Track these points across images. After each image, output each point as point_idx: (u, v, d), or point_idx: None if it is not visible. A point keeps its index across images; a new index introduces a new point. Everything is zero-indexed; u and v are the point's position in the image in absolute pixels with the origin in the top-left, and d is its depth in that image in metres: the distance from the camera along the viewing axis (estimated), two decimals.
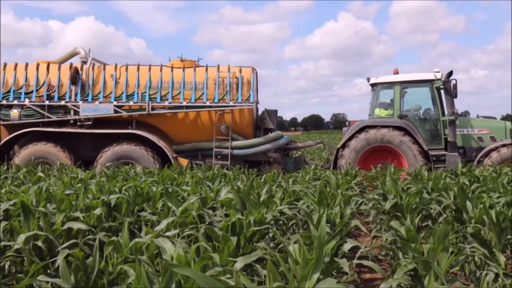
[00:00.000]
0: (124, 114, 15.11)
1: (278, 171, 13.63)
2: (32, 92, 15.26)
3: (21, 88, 15.29)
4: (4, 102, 15.10)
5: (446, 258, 4.43)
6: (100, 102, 15.07)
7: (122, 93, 15.25)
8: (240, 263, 4.23)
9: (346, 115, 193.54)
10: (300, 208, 7.16)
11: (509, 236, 6.24)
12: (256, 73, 15.88)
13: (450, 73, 15.09)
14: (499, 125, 15.48)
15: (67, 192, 7.05)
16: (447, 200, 7.49)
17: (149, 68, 15.60)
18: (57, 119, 15.11)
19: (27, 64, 15.55)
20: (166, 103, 15.08)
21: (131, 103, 15.11)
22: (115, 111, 14.99)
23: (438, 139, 14.98)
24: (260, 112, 16.53)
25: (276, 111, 16.63)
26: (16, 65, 15.52)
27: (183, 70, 15.53)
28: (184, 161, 14.76)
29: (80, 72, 15.44)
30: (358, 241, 6.36)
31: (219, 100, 15.18)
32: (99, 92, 15.31)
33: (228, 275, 3.77)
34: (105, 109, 14.96)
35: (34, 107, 15.03)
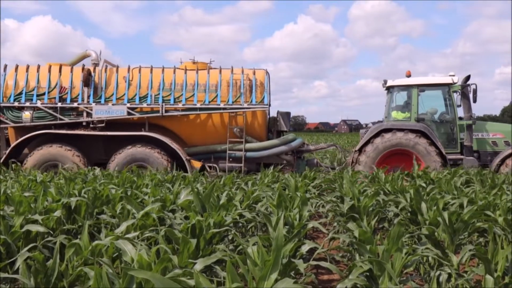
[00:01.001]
0: (138, 116, 14.98)
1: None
2: (44, 94, 15.10)
3: (33, 90, 15.12)
4: (16, 104, 14.93)
5: (400, 258, 4.56)
6: (113, 104, 14.96)
7: (135, 95, 15.14)
8: (199, 264, 4.29)
9: (305, 117, 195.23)
10: (259, 210, 7.25)
11: (461, 237, 6.45)
12: (269, 75, 15.87)
13: (468, 78, 15.30)
14: None
15: (26, 194, 7.01)
16: (403, 202, 7.66)
17: (162, 70, 15.53)
18: (70, 121, 14.99)
19: (39, 66, 15.40)
20: (180, 105, 15.00)
21: (144, 105, 14.99)
22: (129, 113, 14.86)
23: (454, 143, 15.11)
24: (271, 115, 16.58)
25: (289, 113, 16.64)
26: (27, 67, 15.36)
27: (197, 72, 15.49)
28: (197, 164, 14.75)
29: (92, 74, 15.34)
30: (316, 243, 6.48)
31: (233, 102, 15.13)
32: (112, 94, 15.19)
33: (188, 277, 3.83)
34: (119, 111, 14.85)
35: (46, 109, 14.88)
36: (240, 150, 15.05)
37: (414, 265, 6.33)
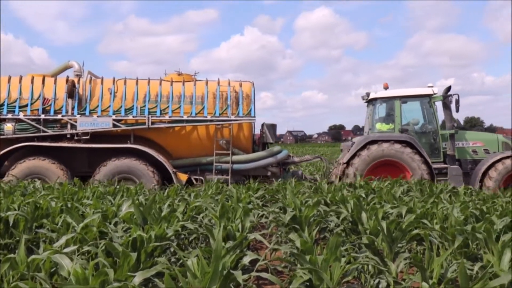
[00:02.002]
0: (124, 128, 14.67)
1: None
2: (26, 106, 14.67)
3: (15, 101, 14.69)
4: None
5: (339, 268, 4.63)
6: (98, 116, 14.61)
7: (121, 107, 14.82)
8: (138, 277, 4.26)
9: None
10: (201, 222, 7.24)
11: (400, 245, 6.59)
12: (254, 87, 15.75)
13: (449, 89, 15.52)
14: (492, 138, 16.04)
15: None
16: (344, 212, 7.77)
17: (148, 82, 15.27)
18: (54, 133, 14.59)
19: (21, 77, 14.99)
20: (167, 117, 14.76)
21: (130, 117, 14.69)
22: (114, 125, 14.54)
23: (437, 152, 15.30)
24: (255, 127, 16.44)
25: (275, 126, 16.54)
26: (9, 78, 14.93)
27: (183, 84, 15.27)
28: (183, 176, 14.52)
29: (77, 85, 14.98)
30: (258, 254, 6.51)
31: (220, 114, 14.95)
32: (97, 106, 14.83)
33: None
34: (104, 123, 14.51)
35: (29, 121, 14.47)
36: (227, 162, 14.94)
37: (356, 273, 6.44)
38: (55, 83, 15.00)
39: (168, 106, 14.92)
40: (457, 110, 15.29)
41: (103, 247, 5.22)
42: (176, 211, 7.41)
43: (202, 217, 7.83)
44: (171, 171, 14.28)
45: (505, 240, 5.62)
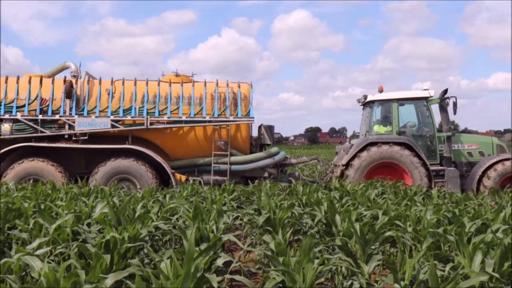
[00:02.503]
0: (122, 128, 14.55)
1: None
2: (24, 106, 14.47)
3: (13, 102, 14.51)
4: None
5: (312, 269, 4.65)
6: (96, 117, 14.46)
7: (119, 107, 14.69)
8: (110, 279, 4.24)
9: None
10: (175, 223, 7.22)
11: (373, 247, 6.64)
12: (252, 88, 15.67)
13: (445, 91, 15.64)
14: (486, 140, 16.24)
15: None
16: (318, 215, 7.80)
17: (146, 83, 15.15)
18: (51, 133, 14.42)
19: (18, 78, 14.82)
20: (165, 118, 14.71)
21: (128, 117, 14.57)
22: (112, 126, 14.41)
23: (434, 154, 15.42)
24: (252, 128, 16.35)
25: (273, 127, 16.51)
26: (6, 78, 14.76)
27: (181, 85, 15.17)
28: (181, 177, 14.44)
29: (74, 85, 14.82)
30: (232, 256, 6.51)
31: (218, 115, 14.87)
32: (95, 107, 14.69)
33: None
34: (102, 124, 14.38)
35: (26, 122, 14.28)
36: (225, 163, 14.90)
37: (329, 275, 6.47)
38: (52, 83, 14.86)
39: (167, 107, 14.85)
40: (455, 113, 15.51)
41: (76, 249, 5.18)
42: (150, 212, 7.39)
43: (177, 218, 7.81)
44: (169, 172, 14.22)
45: (476, 242, 5.68)
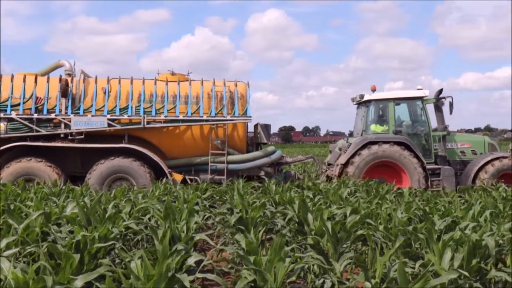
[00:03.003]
0: (119, 127, 14.32)
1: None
2: (19, 105, 14.15)
3: (7, 100, 14.17)
4: None
5: (283, 268, 4.66)
6: (92, 116, 14.21)
7: (115, 106, 14.45)
8: (80, 281, 4.20)
9: None
10: (147, 223, 7.18)
11: (345, 245, 6.68)
12: (249, 87, 15.58)
13: (440, 91, 15.86)
14: (479, 139, 16.51)
15: None
16: (290, 213, 7.82)
17: (143, 82, 14.93)
18: (47, 133, 14.13)
19: (12, 76, 14.50)
20: (162, 117, 14.51)
21: (125, 116, 14.34)
22: (109, 125, 14.18)
23: (429, 153, 15.53)
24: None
25: (269, 126, 16.41)
26: (0, 77, 14.44)
27: (178, 84, 14.97)
28: (178, 176, 14.28)
29: (70, 84, 14.52)
30: (205, 255, 6.50)
31: (216, 114, 14.71)
32: (91, 105, 14.43)
33: None
34: (98, 123, 14.13)
35: (21, 121, 13.98)
36: (222, 162, 14.83)
37: (302, 273, 6.50)
38: (48, 82, 14.59)
39: (163, 106, 14.68)
40: (451, 112, 15.65)
41: (46, 249, 5.13)
42: (122, 212, 7.33)
43: (149, 218, 7.77)
44: (166, 171, 14.10)
45: (446, 240, 5.74)
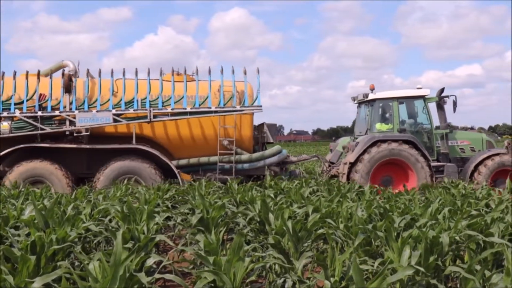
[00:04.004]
0: (125, 122, 13.91)
1: None
2: (22, 103, 13.70)
3: (10, 99, 13.71)
4: None
5: (242, 268, 4.66)
6: (97, 111, 13.72)
7: (121, 100, 13.99)
8: (37, 283, 4.15)
9: None
10: (108, 224, 7.12)
11: (306, 244, 6.71)
12: (259, 74, 15.06)
13: (442, 90, 16.16)
14: (477, 137, 16.77)
15: None
16: (251, 213, 7.83)
17: (148, 82, 14.47)
18: (52, 130, 13.69)
19: (15, 73, 14.00)
20: (169, 109, 14.02)
21: (131, 110, 13.87)
22: (115, 120, 13.70)
23: (431, 151, 15.72)
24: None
25: (275, 125, 16.53)
26: (3, 74, 13.99)
27: (185, 84, 14.39)
28: (187, 176, 14.11)
29: (73, 79, 14.07)
30: (166, 256, 6.46)
31: (224, 105, 14.23)
32: (96, 101, 13.98)
33: None
34: (103, 118, 13.64)
35: (25, 119, 13.53)
36: (230, 162, 14.79)
37: (264, 273, 6.52)
38: (50, 78, 14.22)
39: (170, 98, 14.19)
40: (454, 111, 16.05)
41: (2, 253, 5.04)
42: (81, 214, 7.26)
43: (110, 219, 7.70)
44: (176, 172, 13.97)
45: (404, 237, 5.82)
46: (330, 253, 5.41)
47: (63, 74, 14.18)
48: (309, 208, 7.83)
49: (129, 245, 5.51)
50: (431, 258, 5.43)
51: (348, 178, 14.95)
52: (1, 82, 14.08)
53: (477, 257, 5.64)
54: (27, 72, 14.23)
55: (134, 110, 13.97)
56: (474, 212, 7.69)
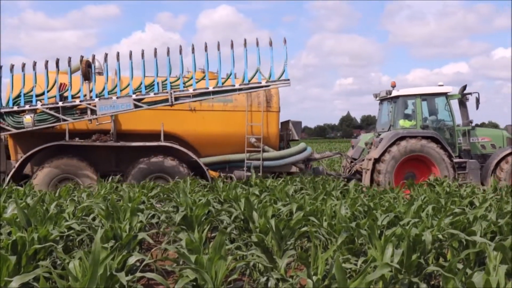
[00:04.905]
0: (146, 107, 13.46)
1: None
2: (43, 94, 13.39)
3: (31, 90, 13.40)
4: (16, 108, 13.25)
5: (224, 266, 4.65)
6: (117, 97, 13.30)
7: (141, 83, 13.47)
8: (16, 282, 4.13)
9: None
10: (91, 223, 7.08)
11: (289, 243, 6.72)
12: (286, 45, 14.55)
13: (464, 87, 16.28)
14: (497, 133, 17.00)
15: None
16: (235, 211, 7.82)
17: (168, 62, 14.00)
18: (74, 120, 13.44)
19: (35, 63, 13.60)
20: (191, 90, 13.44)
21: (151, 94, 13.40)
22: (135, 106, 13.28)
23: (453, 147, 15.83)
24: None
25: (300, 123, 16.49)
26: (23, 65, 13.61)
27: (207, 61, 13.99)
28: (215, 174, 14.13)
29: (92, 65, 13.64)
30: (151, 254, 6.44)
31: (249, 81, 13.52)
32: (115, 86, 13.56)
33: None
34: (124, 105, 13.23)
35: (47, 111, 13.23)
36: (258, 159, 14.79)
37: (248, 271, 6.51)
38: (69, 65, 13.71)
39: (192, 78, 13.62)
40: (477, 108, 16.15)
41: None
42: (64, 212, 7.21)
43: (93, 217, 7.66)
44: (205, 169, 13.94)
45: (388, 235, 5.83)
46: (313, 251, 5.41)
47: (81, 60, 13.70)
48: (293, 206, 7.84)
49: (112, 243, 5.49)
50: (414, 256, 5.44)
51: (372, 173, 15.14)
52: (22, 74, 13.65)
53: (459, 255, 5.66)
54: (47, 62, 13.74)
55: (154, 94, 13.51)
56: (457, 210, 7.72)
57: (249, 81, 13.57)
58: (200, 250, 5.10)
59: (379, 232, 6.32)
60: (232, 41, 13.68)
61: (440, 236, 6.25)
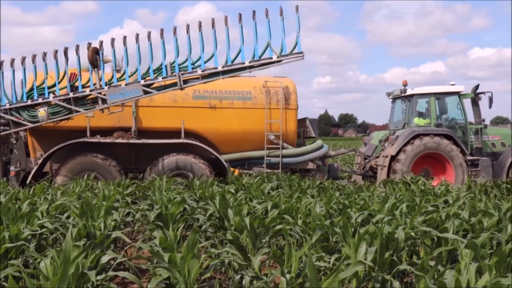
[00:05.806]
0: (155, 93, 13.22)
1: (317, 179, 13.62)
2: (54, 85, 13.12)
3: (43, 82, 13.15)
4: (29, 101, 13.04)
5: (197, 264, 4.65)
6: (126, 84, 13.02)
7: (149, 68, 13.13)
8: None
9: None
10: (65, 221, 7.03)
11: (264, 240, 6.73)
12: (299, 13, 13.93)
13: (477, 87, 16.48)
14: (507, 132, 17.42)
15: None
16: (210, 209, 7.82)
17: (175, 42, 13.45)
18: (85, 111, 13.18)
19: (45, 54, 13.20)
20: (199, 72, 12.96)
21: (159, 79, 13.03)
22: (145, 92, 12.95)
23: (466, 145, 15.99)
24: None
25: (317, 120, 16.60)
26: (34, 56, 13.25)
27: (214, 40, 13.29)
28: (234, 171, 14.09)
29: (100, 51, 13.24)
30: (125, 253, 6.40)
31: (260, 57, 12.87)
32: (124, 73, 13.26)
33: None
34: (133, 91, 12.92)
35: (59, 103, 13.01)
36: (277, 156, 14.92)
37: (223, 269, 6.51)
38: (77, 54, 13.30)
39: (200, 58, 13.09)
40: (490, 107, 16.36)
41: None
42: (37, 210, 7.15)
43: (67, 216, 7.60)
44: (226, 166, 13.91)
45: (361, 233, 5.86)
46: (287, 249, 5.43)
47: (88, 47, 13.34)
48: (268, 204, 7.85)
49: (84, 242, 5.45)
50: (387, 254, 5.48)
51: (388, 170, 15.35)
52: (33, 66, 13.36)
53: (432, 253, 5.71)
54: (56, 51, 13.44)
55: (163, 78, 13.17)
56: (430, 208, 7.79)
57: (259, 57, 12.92)
58: (174, 248, 5.08)
59: (353, 230, 6.35)
60: (240, 14, 13.06)
61: (413, 234, 6.30)
